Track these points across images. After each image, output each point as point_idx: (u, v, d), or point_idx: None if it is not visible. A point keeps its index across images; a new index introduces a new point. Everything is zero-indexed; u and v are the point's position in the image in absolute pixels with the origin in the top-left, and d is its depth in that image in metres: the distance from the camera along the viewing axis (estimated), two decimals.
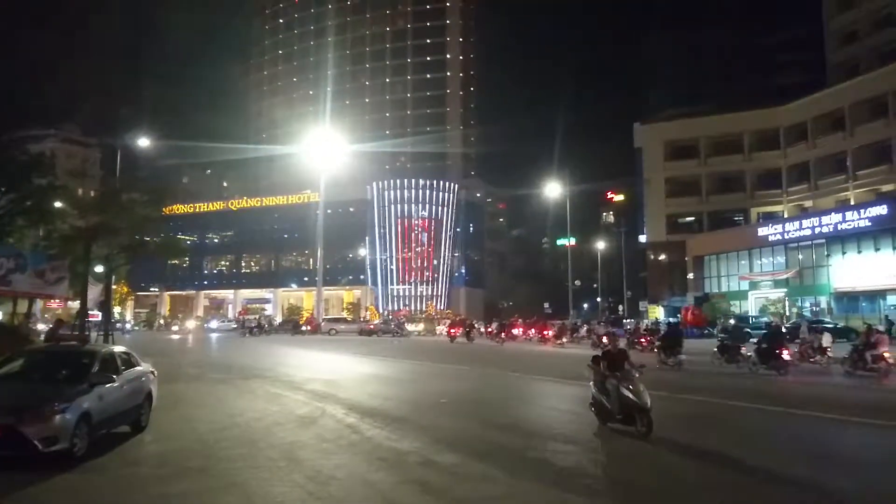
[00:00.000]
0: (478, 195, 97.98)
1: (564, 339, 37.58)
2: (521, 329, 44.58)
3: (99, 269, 31.43)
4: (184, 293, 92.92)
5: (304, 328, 56.92)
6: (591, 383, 10.89)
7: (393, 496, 7.07)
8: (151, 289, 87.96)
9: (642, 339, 32.39)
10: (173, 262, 77.67)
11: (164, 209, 34.65)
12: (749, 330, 28.38)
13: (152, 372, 11.24)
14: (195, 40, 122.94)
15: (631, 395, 9.83)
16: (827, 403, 13.99)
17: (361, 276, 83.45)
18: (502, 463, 8.37)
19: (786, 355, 20.22)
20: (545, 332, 39.70)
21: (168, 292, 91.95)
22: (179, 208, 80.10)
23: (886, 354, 18.38)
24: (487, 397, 15.69)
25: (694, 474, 8.16)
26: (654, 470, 8.42)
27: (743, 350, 21.83)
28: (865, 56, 60.26)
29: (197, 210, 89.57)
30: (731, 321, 37.21)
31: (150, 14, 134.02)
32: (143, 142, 38.19)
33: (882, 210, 42.92)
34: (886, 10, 59.82)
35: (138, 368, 10.65)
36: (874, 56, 59.04)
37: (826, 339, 23.57)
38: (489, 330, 46.19)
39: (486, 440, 10.03)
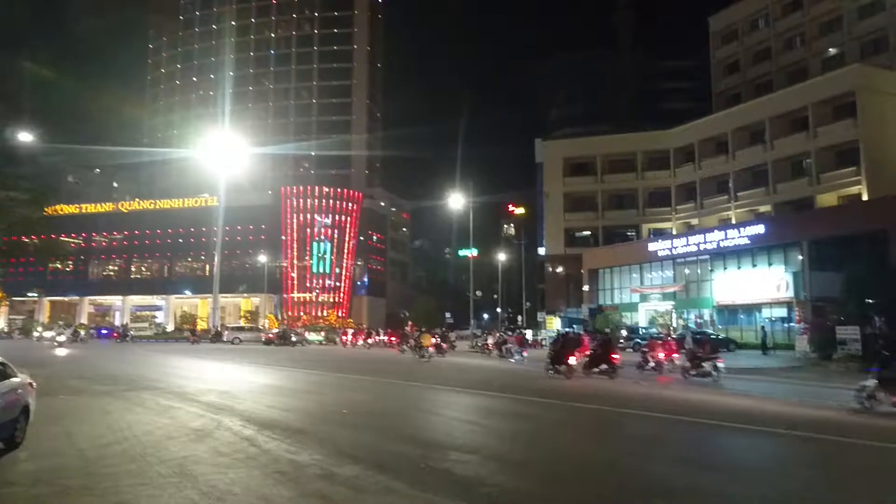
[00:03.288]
0: (381, 205, 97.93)
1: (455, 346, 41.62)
2: (387, 337, 50.56)
3: None
4: (66, 299, 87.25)
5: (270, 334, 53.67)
6: None
7: None
8: (29, 294, 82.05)
9: (487, 345, 38.55)
10: (55, 265, 72.99)
11: (45, 209, 32.46)
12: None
13: (30, 384, 10.49)
14: (88, 34, 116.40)
15: None
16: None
17: (260, 284, 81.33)
18: (404, 474, 8.34)
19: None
20: (392, 339, 47.28)
21: (48, 298, 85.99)
22: (64, 209, 75.42)
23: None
24: (389, 408, 15.62)
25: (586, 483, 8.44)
26: (551, 476, 8.65)
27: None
28: (746, 86, 65.07)
29: (83, 211, 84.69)
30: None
31: (41, 5, 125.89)
32: (24, 137, 35.64)
33: (759, 229, 46.21)
34: (764, 44, 64.87)
35: (14, 380, 9.89)
36: (753, 86, 63.90)
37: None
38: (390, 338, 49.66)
39: (388, 451, 9.97)
